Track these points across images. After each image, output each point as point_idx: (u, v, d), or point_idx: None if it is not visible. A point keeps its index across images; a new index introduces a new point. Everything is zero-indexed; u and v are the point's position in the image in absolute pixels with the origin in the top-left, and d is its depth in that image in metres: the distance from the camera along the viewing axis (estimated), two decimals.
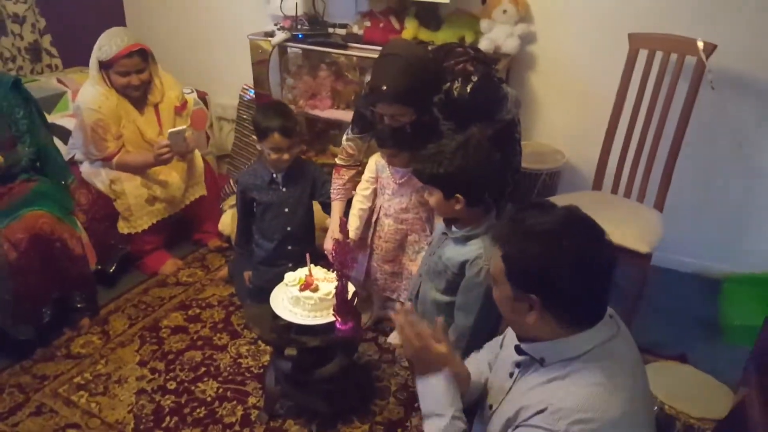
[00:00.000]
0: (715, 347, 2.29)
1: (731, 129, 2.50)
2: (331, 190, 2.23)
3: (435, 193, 1.63)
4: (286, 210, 2.24)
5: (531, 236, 1.12)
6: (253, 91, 3.21)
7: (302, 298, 1.85)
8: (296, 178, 2.25)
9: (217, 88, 3.49)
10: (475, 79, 1.89)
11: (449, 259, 1.67)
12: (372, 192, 2.19)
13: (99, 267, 2.50)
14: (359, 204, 2.20)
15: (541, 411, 1.09)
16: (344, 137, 2.22)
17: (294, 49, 3.09)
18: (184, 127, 2.53)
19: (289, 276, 1.94)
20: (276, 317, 1.87)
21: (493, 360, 1.45)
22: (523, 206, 1.20)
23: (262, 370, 2.18)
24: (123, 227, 2.58)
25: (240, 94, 3.34)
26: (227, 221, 2.91)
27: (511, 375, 1.25)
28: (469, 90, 1.86)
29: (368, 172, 2.19)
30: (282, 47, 3.05)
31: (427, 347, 1.27)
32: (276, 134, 2.09)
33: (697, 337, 2.35)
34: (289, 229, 2.26)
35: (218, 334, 2.38)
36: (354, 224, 2.18)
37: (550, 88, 2.76)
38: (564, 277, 1.08)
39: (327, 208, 2.32)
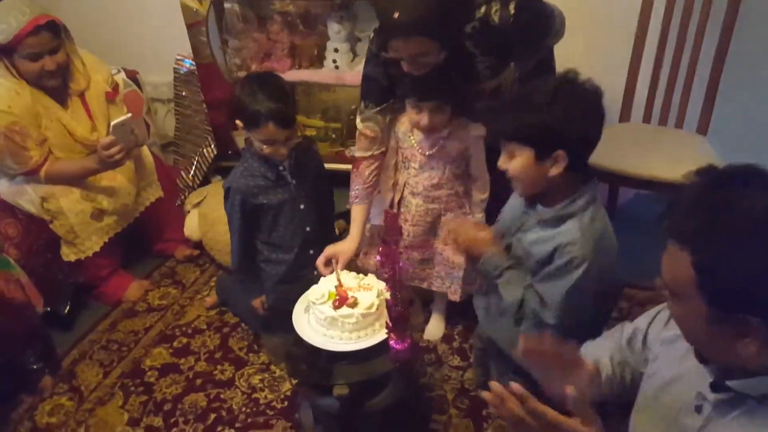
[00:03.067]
0: None
1: None
2: (351, 192, 1.80)
3: (521, 153, 1.23)
4: (302, 207, 1.78)
5: (747, 233, 0.74)
6: (189, 61, 2.68)
7: (339, 318, 1.45)
8: (304, 164, 1.78)
9: (146, 64, 2.89)
10: None
11: (534, 245, 1.29)
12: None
13: (48, 310, 1.98)
14: (387, 181, 1.82)
15: None
16: (358, 118, 1.75)
17: (231, 2, 2.55)
18: (129, 115, 1.99)
19: (313, 292, 1.53)
20: (307, 346, 1.46)
21: (622, 360, 1.12)
22: (708, 175, 0.83)
23: (286, 403, 1.78)
24: (68, 254, 2.05)
25: (174, 68, 2.76)
26: (193, 224, 2.42)
27: (698, 410, 0.91)
28: (512, 11, 1.44)
29: (392, 141, 1.77)
30: (218, 3, 2.50)
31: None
32: (271, 125, 1.60)
33: None
34: (308, 229, 1.81)
35: (218, 366, 1.93)
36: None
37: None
38: None
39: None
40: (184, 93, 2.79)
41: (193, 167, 2.77)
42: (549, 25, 1.55)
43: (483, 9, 1.46)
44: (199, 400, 1.82)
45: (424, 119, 1.62)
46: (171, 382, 1.88)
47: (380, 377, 1.47)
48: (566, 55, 1.69)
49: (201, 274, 2.36)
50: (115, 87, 2.16)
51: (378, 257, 1.37)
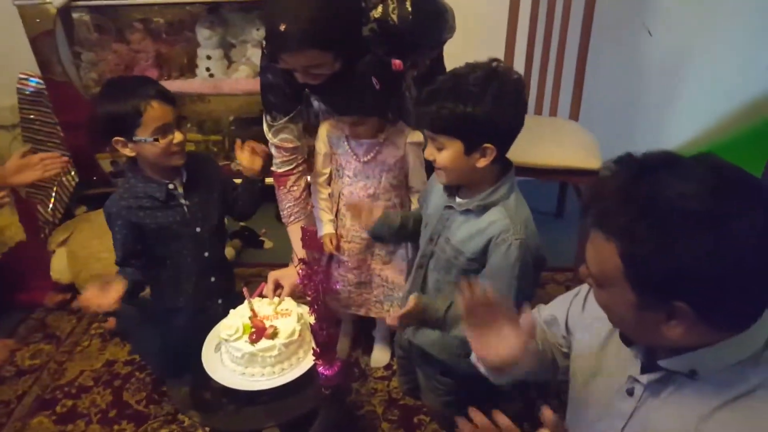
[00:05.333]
0: None
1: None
2: (282, 212, 1.63)
3: (450, 145, 1.17)
4: (198, 230, 1.56)
5: (673, 222, 0.72)
6: (35, 80, 2.35)
7: (259, 353, 1.31)
8: (198, 181, 1.57)
9: None
10: None
11: (462, 242, 1.23)
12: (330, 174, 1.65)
13: None
14: (322, 191, 1.65)
15: None
16: (267, 132, 1.58)
17: (80, 12, 2.27)
18: None
19: (224, 328, 1.36)
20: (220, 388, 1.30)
21: (544, 338, 1.10)
22: (628, 164, 0.82)
23: None
24: None
25: (18, 88, 2.39)
26: (61, 264, 2.11)
27: (630, 393, 0.91)
28: (410, 9, 1.38)
29: (321, 145, 1.61)
30: (66, 11, 2.21)
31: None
32: (155, 103, 1.40)
33: None
34: (207, 254, 1.59)
35: (116, 426, 1.68)
36: (326, 220, 1.64)
37: None
38: (733, 271, 0.72)
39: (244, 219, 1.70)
40: (32, 116, 2.44)
41: (52, 200, 2.43)
42: (445, 20, 1.51)
43: (380, 9, 1.38)
44: None
45: (345, 130, 1.50)
46: None
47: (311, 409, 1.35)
48: (447, 51, 1.67)
49: (78, 322, 2.05)
50: None
51: (299, 279, 1.25)
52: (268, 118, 1.56)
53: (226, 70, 2.34)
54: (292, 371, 1.32)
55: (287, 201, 1.63)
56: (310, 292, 1.24)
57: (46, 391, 1.80)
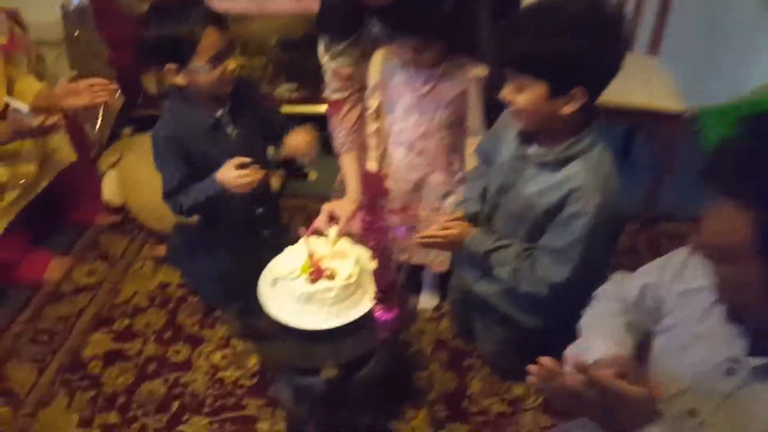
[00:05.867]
0: None
1: None
2: (334, 140, 1.58)
3: (533, 87, 1.07)
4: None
5: None
6: None
7: (317, 293, 1.31)
8: (243, 109, 1.51)
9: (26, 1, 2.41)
10: None
11: (540, 196, 1.18)
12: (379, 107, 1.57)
13: None
14: (370, 125, 1.59)
15: None
16: (323, 56, 1.50)
17: None
18: (25, 108, 1.60)
19: (281, 266, 1.37)
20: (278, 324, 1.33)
21: (630, 321, 1.06)
22: (756, 124, 0.75)
23: (256, 379, 1.65)
24: None
25: (62, 3, 2.33)
26: (112, 186, 2.13)
27: (730, 373, 0.86)
28: None
29: (373, 74, 1.52)
30: None
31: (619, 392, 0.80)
32: (210, 30, 1.35)
33: None
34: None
35: (172, 347, 1.75)
36: (371, 156, 1.60)
37: None
38: None
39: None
40: (76, 33, 2.38)
41: (99, 120, 2.41)
42: None
43: None
44: (157, 388, 1.64)
45: (405, 57, 1.41)
46: (119, 371, 1.68)
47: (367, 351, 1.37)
48: None
49: (130, 243, 2.10)
50: (12, 37, 1.75)
51: (360, 223, 1.23)
52: (325, 41, 1.49)
53: None
54: (349, 313, 1.34)
55: (341, 129, 1.58)
56: (372, 238, 1.22)
57: (104, 309, 1.87)
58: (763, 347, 0.82)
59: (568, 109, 1.08)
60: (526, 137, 1.21)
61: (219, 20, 1.38)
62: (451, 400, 1.59)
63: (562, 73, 1.05)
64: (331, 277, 1.33)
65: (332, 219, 1.49)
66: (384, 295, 1.28)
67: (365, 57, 1.55)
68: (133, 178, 2.08)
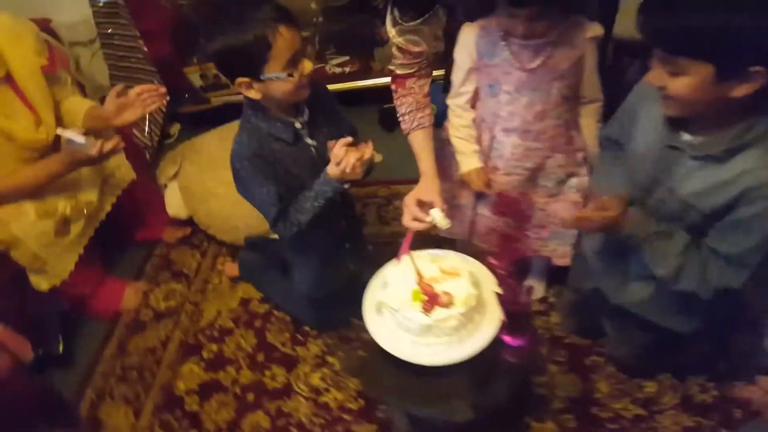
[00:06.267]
0: None
1: None
2: (401, 117, 1.39)
3: (695, 70, 0.88)
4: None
5: None
6: None
7: (435, 323, 1.15)
8: (318, 116, 1.34)
9: (52, 2, 2.24)
10: None
11: (697, 196, 0.98)
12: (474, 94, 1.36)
13: (40, 353, 1.60)
14: (464, 116, 1.39)
15: None
16: (391, 30, 1.30)
17: None
18: (82, 140, 1.45)
19: (389, 296, 1.21)
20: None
21: None
22: None
23: (362, 401, 1.53)
24: (40, 283, 1.63)
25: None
26: (175, 200, 2.00)
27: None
28: None
29: (464, 56, 1.31)
30: None
31: None
32: (282, 29, 1.14)
33: None
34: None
35: (266, 372, 1.65)
36: (470, 151, 1.39)
37: None
38: None
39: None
40: (110, 30, 2.22)
41: (147, 122, 2.27)
42: None
43: None
44: (260, 420, 1.54)
45: (518, 28, 1.18)
46: (218, 405, 1.59)
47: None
48: None
49: (203, 258, 1.98)
50: (52, 54, 1.59)
51: (492, 256, 1.04)
52: (396, 14, 1.28)
53: None
54: (472, 341, 1.17)
55: (406, 105, 1.39)
56: (503, 264, 1.05)
57: (189, 336, 1.77)
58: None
59: (741, 91, 0.88)
60: (676, 122, 1.00)
61: (289, 16, 1.17)
62: (577, 406, 1.45)
63: (733, 51, 0.85)
64: (448, 304, 1.17)
65: (422, 205, 1.32)
66: (515, 322, 1.11)
67: (437, 37, 1.34)
68: (197, 189, 1.94)
